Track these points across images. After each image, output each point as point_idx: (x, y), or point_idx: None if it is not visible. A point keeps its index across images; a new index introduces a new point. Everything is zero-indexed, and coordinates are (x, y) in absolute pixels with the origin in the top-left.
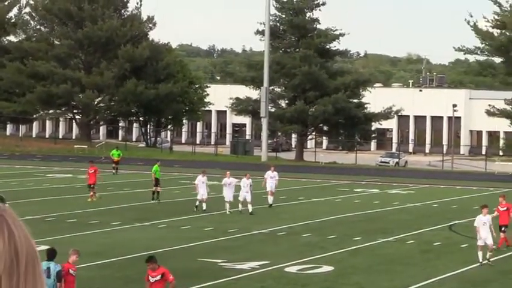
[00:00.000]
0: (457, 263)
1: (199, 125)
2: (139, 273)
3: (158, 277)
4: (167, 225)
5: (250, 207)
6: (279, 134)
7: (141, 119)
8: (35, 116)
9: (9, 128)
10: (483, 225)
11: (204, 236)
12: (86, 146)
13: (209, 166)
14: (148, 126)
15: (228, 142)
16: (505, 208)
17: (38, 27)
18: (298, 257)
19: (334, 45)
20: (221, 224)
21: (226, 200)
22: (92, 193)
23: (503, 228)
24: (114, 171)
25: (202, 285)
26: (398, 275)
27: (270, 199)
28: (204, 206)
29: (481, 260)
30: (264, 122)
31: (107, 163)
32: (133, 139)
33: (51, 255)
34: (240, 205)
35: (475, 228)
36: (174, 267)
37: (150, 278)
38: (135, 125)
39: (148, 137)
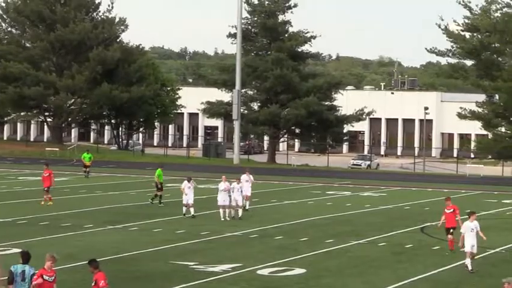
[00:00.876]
0: (428, 266)
1: (171, 127)
2: (111, 277)
3: (93, 283)
4: (139, 228)
5: (240, 212)
6: (251, 136)
7: (112, 121)
8: (6, 118)
9: None
10: (470, 232)
11: (176, 239)
12: (57, 149)
13: (181, 169)
14: (120, 128)
15: (200, 145)
16: (451, 210)
17: (9, 29)
18: (270, 260)
19: (306, 48)
20: (193, 227)
21: (219, 204)
22: (45, 197)
23: (451, 231)
24: (85, 174)
25: None
26: (370, 277)
27: (247, 203)
28: (192, 210)
29: (470, 268)
30: (236, 125)
31: (79, 166)
32: (105, 142)
33: (26, 258)
34: (222, 210)
35: (461, 235)
36: (145, 269)
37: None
38: (106, 127)
39: (120, 139)
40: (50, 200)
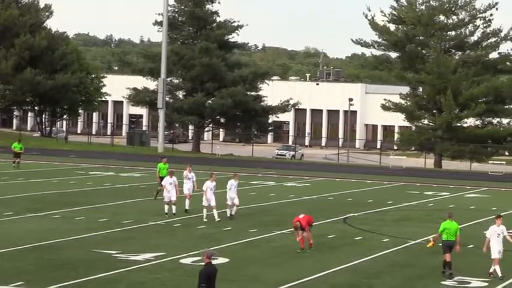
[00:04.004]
0: (350, 256)
1: (95, 115)
2: (32, 264)
3: None
4: (61, 215)
5: (234, 209)
6: (176, 125)
7: (36, 108)
8: None
9: None
10: (497, 237)
11: (98, 227)
12: None
13: (105, 157)
14: (44, 115)
15: (124, 133)
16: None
17: None
18: (193, 249)
19: (233, 37)
20: (116, 216)
21: (205, 204)
22: None
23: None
24: (14, 164)
25: (95, 277)
26: (293, 267)
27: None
28: (174, 209)
29: (500, 275)
30: (161, 113)
31: (1, 152)
32: (28, 128)
33: None
34: (228, 210)
35: (486, 239)
36: (67, 258)
37: None
38: (30, 114)
39: (44, 126)
40: None
